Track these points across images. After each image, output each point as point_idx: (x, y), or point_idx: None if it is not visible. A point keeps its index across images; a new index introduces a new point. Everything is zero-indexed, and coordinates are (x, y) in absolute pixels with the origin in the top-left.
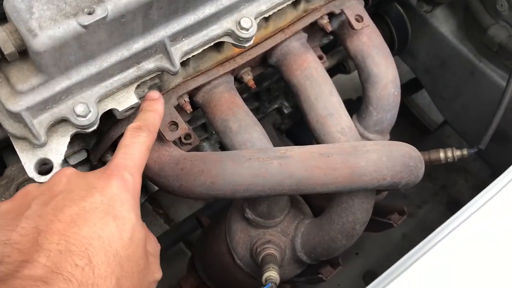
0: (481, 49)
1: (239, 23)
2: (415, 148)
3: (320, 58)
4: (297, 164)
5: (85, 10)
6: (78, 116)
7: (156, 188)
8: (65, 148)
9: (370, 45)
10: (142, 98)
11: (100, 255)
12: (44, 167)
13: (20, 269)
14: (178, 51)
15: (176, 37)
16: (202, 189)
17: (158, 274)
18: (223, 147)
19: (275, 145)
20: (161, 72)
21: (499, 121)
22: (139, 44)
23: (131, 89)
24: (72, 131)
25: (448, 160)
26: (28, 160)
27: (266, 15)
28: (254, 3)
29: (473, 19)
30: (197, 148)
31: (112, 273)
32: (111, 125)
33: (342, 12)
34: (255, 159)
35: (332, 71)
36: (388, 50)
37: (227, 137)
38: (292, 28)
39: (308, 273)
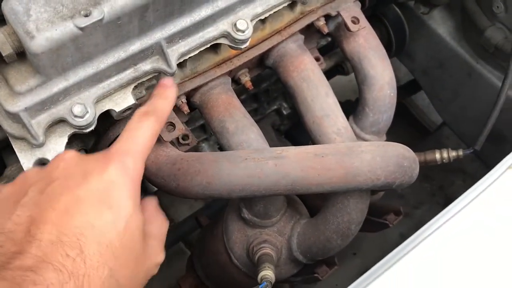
0: (478, 50)
1: (235, 25)
2: (410, 149)
3: (317, 59)
4: (292, 165)
5: (82, 12)
6: (76, 116)
7: (155, 188)
8: (63, 148)
9: (367, 47)
10: (139, 99)
11: (92, 246)
12: (42, 166)
13: (12, 261)
14: (175, 52)
15: (172, 39)
16: (198, 189)
17: (159, 257)
18: (221, 148)
19: (273, 146)
20: (158, 73)
21: (494, 122)
22: (135, 46)
23: (128, 90)
24: (70, 131)
25: (444, 161)
26: (26, 160)
27: (262, 17)
28: (250, 5)
29: (470, 20)
30: (195, 149)
31: (105, 263)
32: (109, 126)
33: (338, 14)
34: (250, 159)
35: (330, 73)
36: (384, 51)
37: (224, 138)
38: (288, 30)
39: (304, 273)
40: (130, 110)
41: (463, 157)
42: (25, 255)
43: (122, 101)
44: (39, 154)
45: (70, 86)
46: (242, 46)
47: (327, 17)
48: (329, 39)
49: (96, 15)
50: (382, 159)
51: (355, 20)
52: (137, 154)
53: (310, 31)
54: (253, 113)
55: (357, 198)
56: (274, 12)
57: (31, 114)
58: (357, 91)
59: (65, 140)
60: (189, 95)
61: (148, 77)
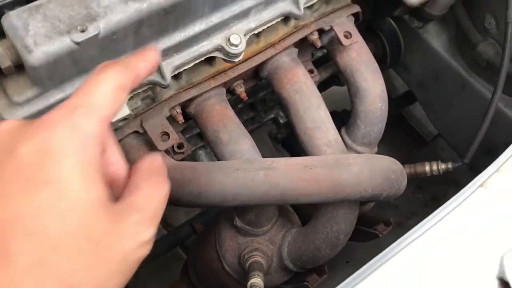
0: (472, 64)
1: (228, 39)
2: (397, 162)
3: (311, 72)
4: (282, 176)
5: (78, 27)
6: None
7: None
8: None
9: (359, 61)
10: (134, 109)
11: (18, 241)
12: None
13: None
14: (169, 65)
15: (167, 53)
16: (190, 198)
17: (145, 234)
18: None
19: (270, 154)
20: (153, 85)
21: (484, 135)
22: None
23: None
24: None
25: (434, 173)
26: None
27: (256, 32)
28: (243, 21)
29: (463, 35)
30: (192, 156)
31: (40, 261)
32: None
33: (331, 29)
34: (242, 170)
35: (326, 83)
36: (376, 65)
37: (217, 148)
38: (282, 44)
39: (295, 281)
40: (126, 121)
41: (455, 169)
42: None
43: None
44: None
45: (67, 97)
46: (236, 60)
47: (321, 31)
48: (325, 50)
49: (92, 31)
50: (369, 171)
51: (348, 35)
52: (92, 108)
53: (304, 44)
54: (250, 121)
55: (346, 208)
56: (268, 26)
57: None
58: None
59: None
60: (184, 106)
61: (143, 88)
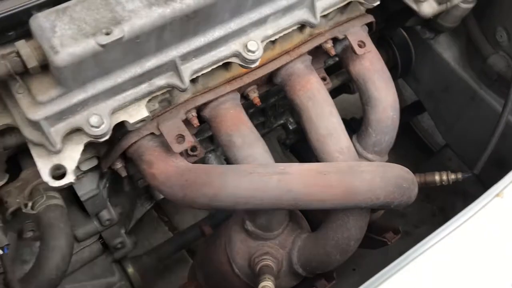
0: (482, 76)
1: (246, 46)
2: (409, 170)
3: (324, 79)
4: (295, 181)
5: (103, 30)
6: (92, 126)
7: (161, 196)
8: (79, 156)
9: (372, 70)
10: (151, 111)
11: None
12: (58, 172)
13: None
14: (188, 69)
15: (186, 57)
16: (204, 200)
17: None
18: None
19: (279, 159)
20: (171, 88)
21: (494, 147)
22: (151, 63)
23: (142, 103)
24: (85, 140)
25: (443, 183)
26: (43, 166)
27: (272, 39)
28: (261, 28)
29: (474, 47)
30: (202, 159)
31: None
32: (121, 136)
33: (345, 38)
34: (256, 173)
35: (337, 91)
36: (389, 75)
37: (230, 151)
38: (297, 51)
39: (303, 286)
40: (144, 122)
41: (463, 180)
42: None
43: (136, 113)
44: (55, 160)
45: (89, 97)
46: (252, 66)
47: (335, 40)
48: (337, 58)
49: (116, 34)
50: (381, 179)
51: (361, 44)
52: None
53: (317, 52)
54: (260, 126)
55: (357, 215)
56: (284, 34)
57: (51, 122)
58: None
59: (81, 148)
60: (199, 109)
61: (162, 91)
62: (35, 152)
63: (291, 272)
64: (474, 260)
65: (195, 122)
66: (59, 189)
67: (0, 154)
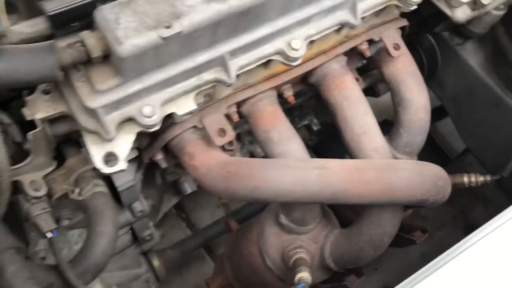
0: (508, 83)
1: (290, 43)
2: (443, 170)
3: (357, 79)
4: (334, 176)
5: (164, 24)
6: (145, 116)
7: (188, 191)
8: (131, 145)
9: (405, 72)
10: (198, 104)
11: None
12: (107, 159)
13: None
14: (235, 65)
15: (234, 53)
16: (246, 192)
17: None
18: (252, 156)
19: None
20: (217, 83)
21: None
22: (203, 57)
23: (191, 96)
24: (137, 129)
25: (472, 184)
26: (97, 152)
27: (314, 38)
28: (305, 27)
29: (501, 53)
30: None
31: None
32: (165, 128)
33: (381, 40)
34: (296, 168)
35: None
36: (421, 77)
37: (268, 147)
38: (333, 51)
39: (333, 280)
40: (191, 115)
41: (483, 184)
42: None
43: (184, 106)
44: (109, 148)
45: (144, 88)
46: (294, 63)
47: (370, 42)
48: (364, 61)
49: (177, 28)
50: (419, 177)
51: (396, 46)
52: None
53: (352, 53)
54: None
55: (391, 212)
56: (324, 34)
57: (107, 111)
58: (384, 112)
59: (132, 137)
60: (238, 105)
61: (209, 85)
62: (89, 139)
63: (323, 267)
64: (500, 271)
65: (235, 117)
66: (103, 178)
67: (51, 141)
